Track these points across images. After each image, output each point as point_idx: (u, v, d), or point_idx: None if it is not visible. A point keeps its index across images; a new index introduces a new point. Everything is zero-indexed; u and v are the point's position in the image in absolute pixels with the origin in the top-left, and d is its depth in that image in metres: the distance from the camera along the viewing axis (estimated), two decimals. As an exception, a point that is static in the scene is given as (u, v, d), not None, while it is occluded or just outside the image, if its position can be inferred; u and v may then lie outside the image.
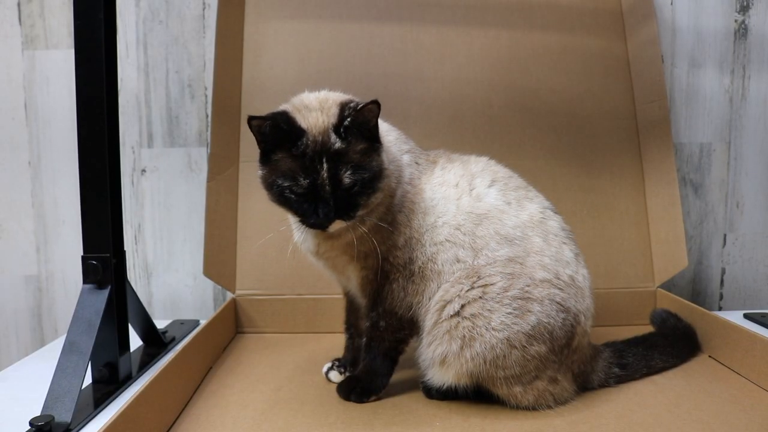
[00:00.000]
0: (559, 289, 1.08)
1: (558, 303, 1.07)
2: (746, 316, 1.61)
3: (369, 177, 1.02)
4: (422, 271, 1.11)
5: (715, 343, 1.34)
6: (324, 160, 0.99)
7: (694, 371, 1.27)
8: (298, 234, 1.17)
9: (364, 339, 1.18)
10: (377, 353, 1.15)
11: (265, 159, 1.05)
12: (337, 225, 1.03)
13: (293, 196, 1.02)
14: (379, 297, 1.13)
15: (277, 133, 1.01)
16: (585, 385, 1.16)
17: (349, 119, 1.01)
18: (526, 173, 1.24)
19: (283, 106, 1.08)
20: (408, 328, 1.15)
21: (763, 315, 1.59)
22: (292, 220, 1.16)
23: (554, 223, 1.15)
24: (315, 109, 1.05)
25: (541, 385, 1.08)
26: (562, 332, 1.07)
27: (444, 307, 1.08)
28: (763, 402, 1.12)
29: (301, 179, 1.00)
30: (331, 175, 0.99)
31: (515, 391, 1.07)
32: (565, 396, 1.11)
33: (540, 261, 1.08)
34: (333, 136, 1.01)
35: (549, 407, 1.09)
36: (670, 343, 1.30)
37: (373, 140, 1.04)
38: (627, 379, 1.21)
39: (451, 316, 1.06)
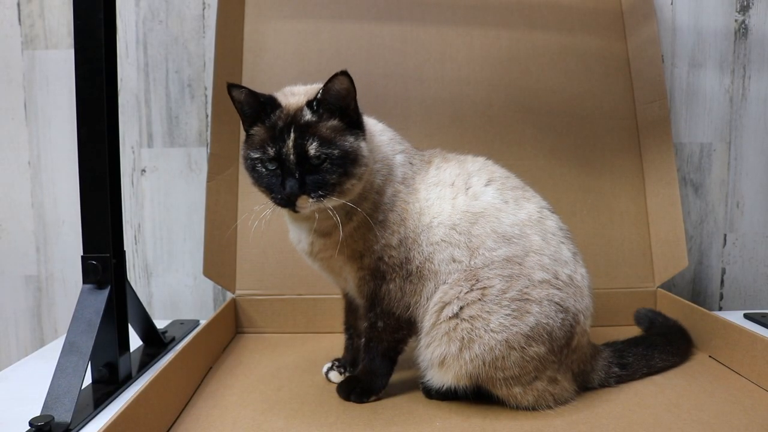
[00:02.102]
0: (558, 289, 1.08)
1: (557, 303, 1.07)
2: (746, 316, 1.61)
3: (339, 155, 1.01)
4: (420, 271, 1.11)
5: (715, 344, 1.34)
6: (292, 130, 1.01)
7: (694, 371, 1.27)
8: (292, 234, 1.18)
9: (363, 339, 1.17)
10: (376, 353, 1.15)
11: (246, 138, 1.07)
12: (305, 203, 1.01)
13: (264, 169, 1.03)
14: (377, 297, 1.13)
15: (254, 104, 1.04)
16: (585, 385, 1.16)
17: (320, 92, 1.02)
18: (526, 173, 1.24)
19: (275, 93, 1.11)
20: (406, 328, 1.14)
21: (763, 315, 1.59)
22: (287, 220, 1.16)
23: (552, 222, 1.15)
24: (300, 94, 1.08)
25: (541, 386, 1.08)
26: (561, 332, 1.07)
27: (443, 308, 1.08)
28: (764, 402, 1.12)
29: (269, 148, 1.01)
30: (296, 145, 1.00)
31: (515, 391, 1.07)
32: (565, 396, 1.11)
33: (539, 261, 1.08)
34: (305, 110, 1.03)
35: (549, 407, 1.09)
36: (669, 342, 1.30)
37: (352, 124, 1.05)
38: (627, 379, 1.21)
39: (450, 318, 1.06)
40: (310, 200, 1.01)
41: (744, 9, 1.84)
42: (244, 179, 1.65)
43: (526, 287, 1.06)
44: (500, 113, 1.69)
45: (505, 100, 1.70)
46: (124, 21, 1.82)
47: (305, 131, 1.01)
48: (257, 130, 1.05)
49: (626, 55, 1.74)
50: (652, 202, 1.67)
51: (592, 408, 1.10)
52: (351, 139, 1.04)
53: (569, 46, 1.72)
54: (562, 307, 1.07)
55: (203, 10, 1.82)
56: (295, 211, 1.03)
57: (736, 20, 1.85)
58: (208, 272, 1.58)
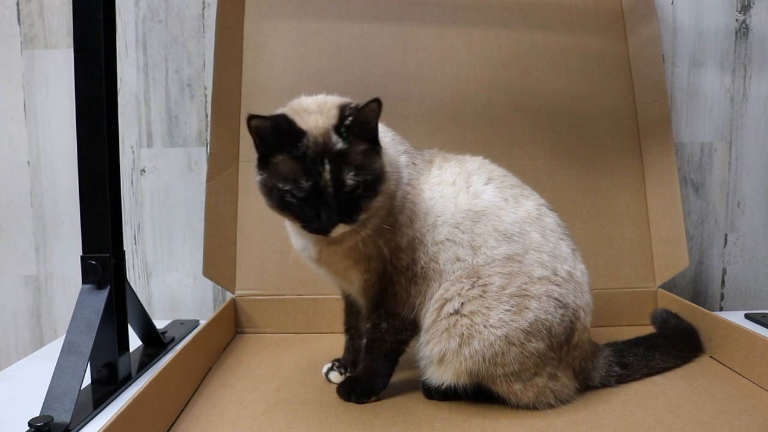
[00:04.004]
0: (557, 285, 1.08)
1: (556, 299, 1.07)
2: (747, 316, 1.60)
3: (372, 179, 1.00)
4: (425, 272, 1.11)
5: (715, 344, 1.34)
6: (326, 161, 0.97)
7: (694, 372, 1.27)
8: (297, 241, 1.16)
9: (365, 340, 1.17)
10: (378, 354, 1.15)
11: (264, 163, 1.02)
12: (340, 229, 1.00)
13: (294, 200, 0.99)
14: (382, 299, 1.13)
15: (277, 135, 0.99)
16: (586, 383, 1.16)
17: (350, 119, 0.99)
18: (526, 173, 1.24)
19: (281, 110, 1.07)
20: (410, 329, 1.14)
21: (764, 315, 1.59)
22: (290, 227, 1.14)
23: (550, 219, 1.15)
24: (314, 111, 1.03)
25: (541, 382, 1.08)
26: (561, 328, 1.07)
27: (443, 305, 1.08)
28: (764, 402, 1.12)
29: (303, 182, 0.97)
30: (333, 177, 0.97)
31: (515, 388, 1.07)
32: (565, 393, 1.11)
33: (538, 258, 1.08)
34: (334, 137, 0.99)
35: (549, 405, 1.08)
36: (671, 344, 1.30)
37: (374, 142, 1.03)
38: (627, 379, 1.21)
39: (450, 315, 1.06)
40: (346, 226, 1.00)
41: (745, 8, 1.84)
42: (245, 179, 1.66)
43: (525, 284, 1.06)
44: (500, 113, 1.69)
45: (505, 100, 1.69)
46: (124, 21, 1.82)
47: (340, 161, 0.98)
48: (282, 160, 0.99)
49: (626, 55, 1.74)
50: (653, 202, 1.67)
51: (592, 408, 1.10)
52: (378, 159, 1.02)
53: (569, 46, 1.72)
54: (561, 303, 1.07)
55: (203, 10, 1.82)
56: (328, 236, 1.01)
57: (736, 20, 1.84)
58: (208, 272, 1.58)
